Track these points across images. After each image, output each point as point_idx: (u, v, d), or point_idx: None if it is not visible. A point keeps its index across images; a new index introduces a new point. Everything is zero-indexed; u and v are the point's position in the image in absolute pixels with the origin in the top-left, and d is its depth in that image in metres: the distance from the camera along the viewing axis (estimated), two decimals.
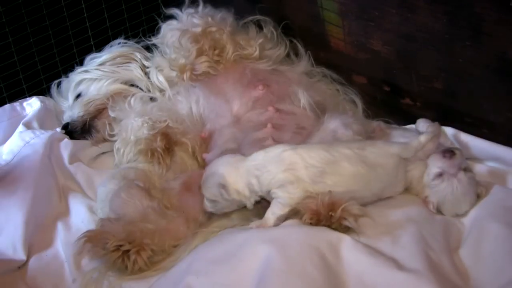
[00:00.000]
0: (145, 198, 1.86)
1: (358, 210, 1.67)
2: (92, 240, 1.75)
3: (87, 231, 1.79)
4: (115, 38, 2.50)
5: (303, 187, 1.71)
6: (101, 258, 1.76)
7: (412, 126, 2.10)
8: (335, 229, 1.66)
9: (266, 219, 1.74)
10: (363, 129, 1.96)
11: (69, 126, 2.29)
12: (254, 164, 1.76)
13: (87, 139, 2.28)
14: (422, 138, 1.79)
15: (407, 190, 1.91)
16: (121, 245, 1.72)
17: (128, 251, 1.72)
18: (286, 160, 1.73)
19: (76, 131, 2.28)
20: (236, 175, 1.76)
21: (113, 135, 2.18)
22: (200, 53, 2.09)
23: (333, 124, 1.94)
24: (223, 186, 1.75)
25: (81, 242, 1.76)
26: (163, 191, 1.96)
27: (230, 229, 1.80)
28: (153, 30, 2.38)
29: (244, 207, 1.81)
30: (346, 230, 1.66)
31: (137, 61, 2.36)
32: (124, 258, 1.72)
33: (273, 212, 1.73)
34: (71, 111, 2.32)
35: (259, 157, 1.77)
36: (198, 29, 2.13)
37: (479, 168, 1.95)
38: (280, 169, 1.72)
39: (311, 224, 1.67)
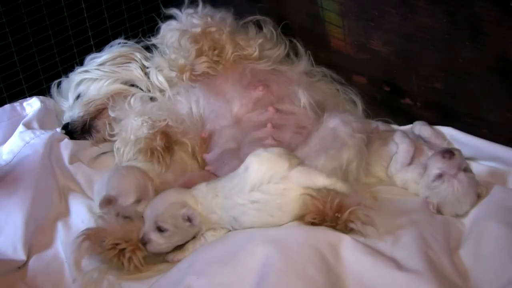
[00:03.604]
0: (142, 177, 1.90)
1: (364, 217, 1.65)
2: (90, 238, 1.76)
3: (86, 229, 1.80)
4: (115, 38, 2.49)
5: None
6: (98, 255, 1.76)
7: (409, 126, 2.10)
8: (339, 230, 1.65)
9: (185, 250, 1.78)
10: (363, 127, 1.96)
11: (69, 126, 2.29)
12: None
13: (87, 139, 2.28)
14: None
15: (407, 190, 1.91)
16: (117, 244, 1.73)
17: (124, 249, 1.72)
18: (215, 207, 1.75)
19: (76, 131, 2.28)
20: (197, 202, 1.77)
21: (113, 135, 2.18)
22: (199, 53, 2.09)
23: (333, 123, 1.93)
24: (190, 215, 1.73)
25: (80, 239, 1.76)
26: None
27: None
28: (153, 30, 2.38)
29: None
30: (349, 231, 1.66)
31: (137, 61, 2.36)
32: (120, 256, 1.72)
33: (194, 248, 1.77)
34: (71, 111, 2.32)
35: (202, 189, 1.78)
36: (198, 30, 2.13)
37: (479, 168, 1.95)
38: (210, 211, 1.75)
39: (313, 223, 1.67)
